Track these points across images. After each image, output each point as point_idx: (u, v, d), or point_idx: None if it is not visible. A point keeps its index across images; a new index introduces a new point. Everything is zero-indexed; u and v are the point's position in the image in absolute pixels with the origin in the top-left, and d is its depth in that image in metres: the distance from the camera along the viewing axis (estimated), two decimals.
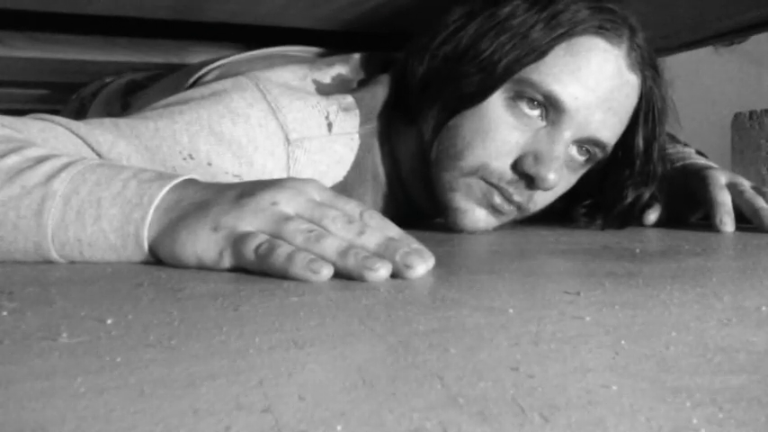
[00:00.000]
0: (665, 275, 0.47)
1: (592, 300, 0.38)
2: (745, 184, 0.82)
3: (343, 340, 0.29)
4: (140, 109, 0.69)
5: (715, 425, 0.20)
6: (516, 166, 0.70)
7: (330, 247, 0.44)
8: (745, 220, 0.79)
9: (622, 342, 0.29)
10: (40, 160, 0.50)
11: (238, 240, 0.45)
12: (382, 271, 0.44)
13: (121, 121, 0.63)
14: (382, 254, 0.45)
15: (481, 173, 0.70)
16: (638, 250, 0.61)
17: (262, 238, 0.45)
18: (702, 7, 0.99)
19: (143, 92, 1.01)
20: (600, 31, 0.69)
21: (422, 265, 0.45)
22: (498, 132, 0.69)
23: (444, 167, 0.72)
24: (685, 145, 0.96)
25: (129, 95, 1.04)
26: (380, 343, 0.29)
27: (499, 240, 0.70)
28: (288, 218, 0.46)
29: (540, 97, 0.68)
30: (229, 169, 0.64)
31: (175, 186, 0.50)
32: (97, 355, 0.27)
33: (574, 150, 0.72)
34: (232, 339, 0.29)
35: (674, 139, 0.96)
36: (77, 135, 0.59)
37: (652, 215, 0.84)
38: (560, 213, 0.83)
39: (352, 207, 0.49)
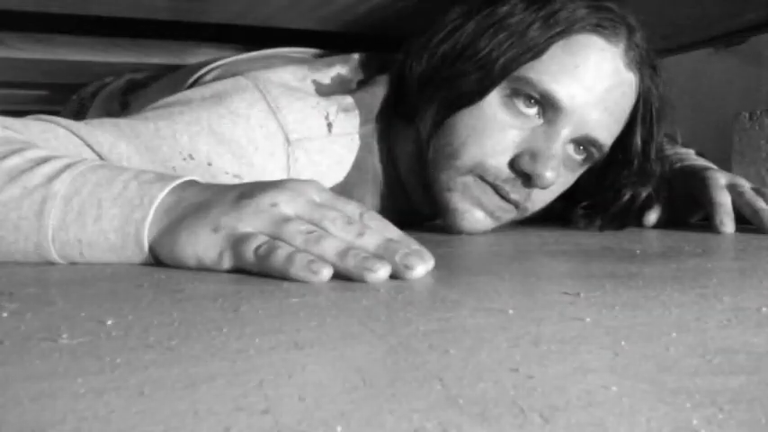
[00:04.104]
0: (666, 276, 0.47)
1: (592, 301, 0.38)
2: (745, 185, 0.82)
3: (343, 341, 0.29)
4: (140, 108, 0.69)
5: (715, 426, 0.20)
6: (513, 165, 0.70)
7: (330, 248, 0.44)
8: (745, 221, 0.79)
9: (622, 343, 0.29)
10: (41, 161, 0.50)
11: (238, 241, 0.45)
12: (382, 272, 0.44)
13: (122, 122, 0.63)
14: (382, 255, 0.45)
15: (477, 171, 0.70)
16: (638, 251, 0.61)
17: (261, 239, 0.45)
18: (702, 8, 0.99)
19: (142, 91, 1.01)
20: (597, 29, 0.69)
21: (421, 266, 0.45)
22: (495, 130, 0.69)
23: (441, 167, 0.72)
24: (684, 146, 0.96)
25: (129, 95, 1.04)
26: (380, 344, 0.29)
27: (499, 241, 0.70)
28: (288, 219, 0.46)
29: (537, 95, 0.68)
30: (229, 170, 0.64)
31: (176, 187, 0.50)
32: (97, 356, 0.27)
33: (571, 149, 0.72)
34: (232, 340, 0.29)
35: (672, 141, 0.96)
36: (78, 136, 0.59)
37: (652, 216, 0.84)
38: (560, 214, 0.83)
39: (351, 208, 0.49)
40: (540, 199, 0.74)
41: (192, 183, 0.52)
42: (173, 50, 1.18)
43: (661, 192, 0.82)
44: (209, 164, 0.63)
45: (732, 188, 0.81)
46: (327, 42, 0.96)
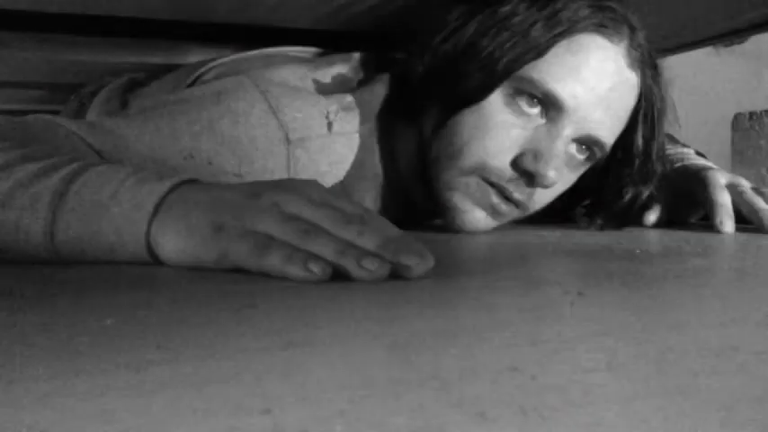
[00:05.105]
0: (665, 276, 0.47)
1: (591, 300, 0.38)
2: (745, 184, 0.82)
3: (342, 341, 0.29)
4: (140, 108, 0.69)
5: (715, 426, 0.20)
6: (516, 164, 0.70)
7: (329, 247, 0.44)
8: (745, 221, 0.79)
9: (622, 343, 0.29)
10: (42, 160, 0.50)
11: (238, 241, 0.45)
12: (381, 271, 0.43)
13: (122, 121, 0.63)
14: (381, 254, 0.45)
15: (480, 172, 0.70)
16: (637, 251, 0.61)
17: (261, 238, 0.45)
18: (702, 7, 0.99)
19: (142, 91, 1.01)
20: (600, 29, 0.69)
21: (421, 266, 0.45)
22: (497, 130, 0.69)
23: (443, 166, 0.72)
24: (684, 146, 0.97)
25: (129, 94, 1.04)
26: (380, 343, 0.29)
27: (499, 241, 0.70)
28: (287, 218, 0.46)
29: (539, 95, 0.69)
30: (230, 169, 0.64)
31: (175, 186, 0.50)
32: (98, 355, 0.27)
33: (573, 148, 0.72)
34: (232, 340, 0.29)
35: (673, 140, 0.96)
36: (78, 135, 0.59)
37: (652, 216, 0.84)
38: (560, 213, 0.83)
39: (351, 208, 0.49)
40: (541, 198, 0.74)
41: (192, 182, 0.51)
42: (173, 50, 1.17)
43: (661, 191, 0.83)
44: (210, 163, 0.63)
45: (732, 188, 0.81)
46: (326, 41, 0.96)
